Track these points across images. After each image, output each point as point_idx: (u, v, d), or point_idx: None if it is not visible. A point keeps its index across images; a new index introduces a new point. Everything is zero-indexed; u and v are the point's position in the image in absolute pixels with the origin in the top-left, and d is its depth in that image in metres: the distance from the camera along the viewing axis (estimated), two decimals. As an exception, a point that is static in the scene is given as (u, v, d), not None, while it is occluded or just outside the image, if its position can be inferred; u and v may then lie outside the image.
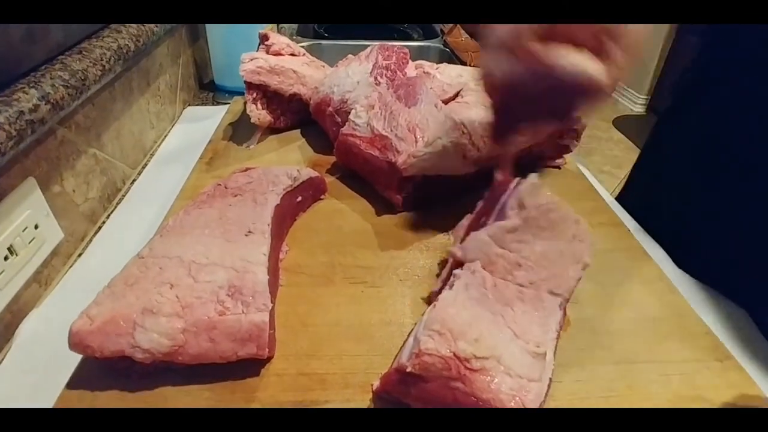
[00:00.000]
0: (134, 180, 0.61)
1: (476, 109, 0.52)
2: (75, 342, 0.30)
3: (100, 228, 0.53)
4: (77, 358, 0.34)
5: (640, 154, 0.63)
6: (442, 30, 1.18)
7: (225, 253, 0.35)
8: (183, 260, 0.34)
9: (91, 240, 0.51)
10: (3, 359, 0.38)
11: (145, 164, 0.65)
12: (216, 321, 0.30)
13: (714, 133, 0.49)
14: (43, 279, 0.45)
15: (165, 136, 0.71)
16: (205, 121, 0.74)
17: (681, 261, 0.49)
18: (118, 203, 0.57)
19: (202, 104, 0.84)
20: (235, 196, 0.41)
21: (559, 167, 0.58)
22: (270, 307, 0.32)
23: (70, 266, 0.47)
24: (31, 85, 0.41)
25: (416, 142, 0.44)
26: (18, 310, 0.41)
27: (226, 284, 0.32)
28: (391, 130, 0.45)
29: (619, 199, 0.60)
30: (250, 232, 0.37)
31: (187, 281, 0.32)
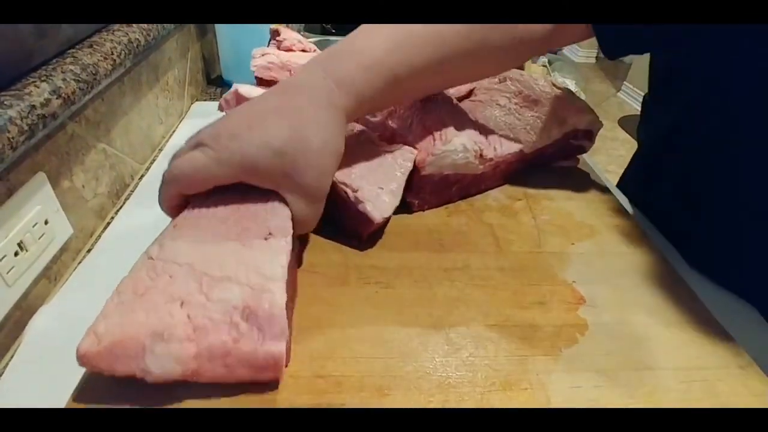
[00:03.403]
0: (142, 175, 0.61)
1: (491, 108, 0.52)
2: (83, 363, 0.28)
3: (108, 224, 0.52)
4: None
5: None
6: (450, 27, 1.17)
7: (240, 262, 0.31)
8: (194, 270, 0.31)
9: (100, 236, 0.50)
10: (13, 355, 0.37)
11: (154, 159, 0.64)
12: (230, 348, 0.28)
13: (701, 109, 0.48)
14: (52, 275, 0.44)
15: (173, 132, 0.71)
16: (212, 117, 0.73)
17: (684, 254, 0.48)
18: (126, 199, 0.56)
19: (210, 99, 0.83)
20: (251, 188, 0.38)
21: (573, 167, 0.57)
22: (287, 335, 0.29)
23: (79, 262, 0.47)
24: (42, 79, 0.40)
25: (433, 140, 0.43)
26: (28, 306, 0.41)
27: (241, 304, 0.29)
28: (408, 129, 0.44)
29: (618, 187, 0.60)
30: (270, 234, 0.33)
31: (198, 299, 0.30)
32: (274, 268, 0.31)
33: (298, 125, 0.33)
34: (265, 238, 0.33)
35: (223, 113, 0.46)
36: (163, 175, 0.33)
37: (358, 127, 0.45)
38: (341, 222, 0.42)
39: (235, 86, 0.49)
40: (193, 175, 0.32)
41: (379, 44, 0.37)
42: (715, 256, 0.46)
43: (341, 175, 0.40)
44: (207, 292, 0.30)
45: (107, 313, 0.29)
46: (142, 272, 0.31)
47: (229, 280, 0.30)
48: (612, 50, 0.43)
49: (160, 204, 0.35)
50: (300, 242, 0.42)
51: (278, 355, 0.29)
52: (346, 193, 0.40)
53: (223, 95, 0.50)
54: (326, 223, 0.42)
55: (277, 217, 0.35)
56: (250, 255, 0.32)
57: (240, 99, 0.47)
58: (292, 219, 0.35)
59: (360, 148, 0.43)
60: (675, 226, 0.51)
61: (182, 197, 0.34)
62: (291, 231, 0.34)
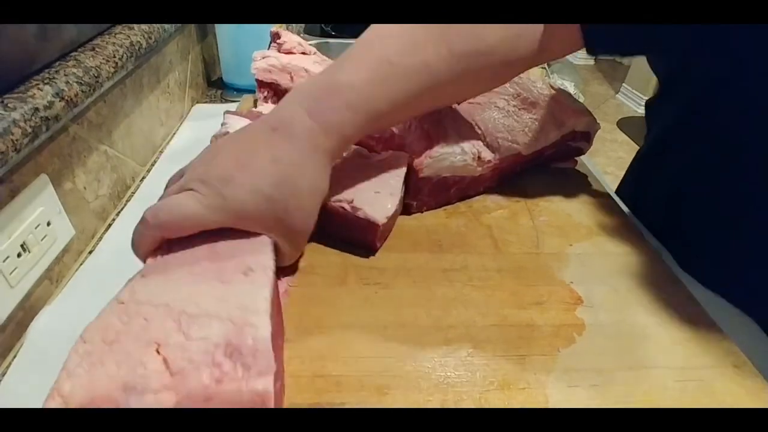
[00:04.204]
0: (144, 177, 0.61)
1: (489, 111, 0.52)
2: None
3: (110, 225, 0.53)
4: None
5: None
6: (449, 29, 1.17)
7: (220, 298, 0.29)
8: (171, 309, 0.28)
9: (101, 237, 0.51)
10: (15, 356, 0.38)
11: (155, 161, 0.65)
12: (212, 392, 0.25)
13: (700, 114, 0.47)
14: (54, 276, 0.45)
15: (174, 134, 0.71)
16: (213, 119, 0.74)
17: (678, 258, 0.48)
18: (127, 201, 0.56)
19: (210, 102, 0.84)
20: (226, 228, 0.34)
21: (571, 169, 0.57)
22: (274, 368, 0.26)
23: (81, 263, 0.47)
24: (45, 81, 0.40)
25: (432, 143, 0.44)
26: (30, 307, 0.41)
27: (223, 341, 0.27)
28: (406, 131, 0.44)
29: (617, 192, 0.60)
30: (250, 270, 0.31)
31: (177, 338, 0.27)
32: (256, 301, 0.29)
33: (287, 171, 0.33)
34: (245, 274, 0.31)
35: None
36: (145, 219, 0.32)
37: None
38: (350, 240, 0.43)
39: (225, 126, 0.47)
40: (182, 222, 0.32)
41: (362, 78, 0.36)
42: (709, 262, 0.46)
43: (335, 194, 0.41)
44: (186, 330, 0.27)
45: (71, 368, 0.26)
46: (112, 317, 0.28)
47: (209, 316, 0.28)
48: (595, 48, 0.41)
49: (134, 247, 0.33)
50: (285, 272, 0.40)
51: (265, 393, 0.26)
52: (342, 208, 0.40)
53: (214, 134, 0.47)
54: (330, 237, 0.43)
55: (257, 253, 0.33)
56: (230, 290, 0.30)
57: None
58: (276, 254, 0.34)
59: (349, 164, 0.44)
60: (669, 230, 0.51)
61: (160, 241, 0.33)
62: (273, 266, 0.32)
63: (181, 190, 0.32)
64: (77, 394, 0.25)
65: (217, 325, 0.27)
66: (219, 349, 0.26)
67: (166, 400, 0.25)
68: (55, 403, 0.25)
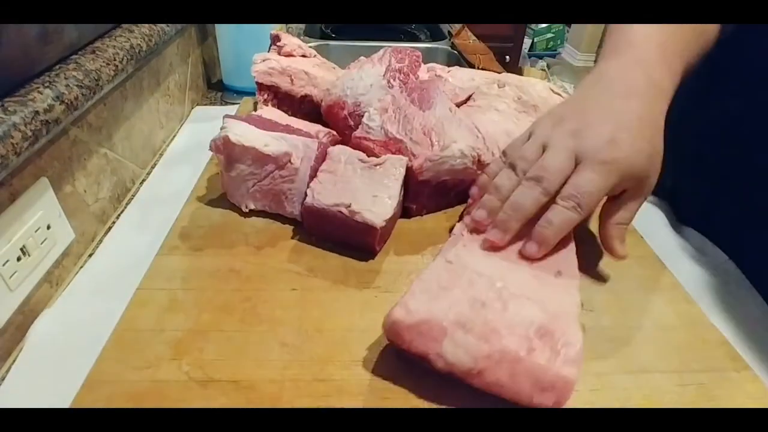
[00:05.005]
0: (143, 180, 0.61)
1: (489, 114, 0.52)
2: (393, 330, 0.31)
3: (110, 228, 0.52)
4: (90, 358, 0.34)
5: None
6: (449, 32, 1.17)
7: (536, 289, 0.33)
8: (493, 283, 0.33)
9: (101, 240, 0.51)
10: (16, 359, 0.38)
11: (154, 164, 0.65)
12: (522, 357, 0.29)
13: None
14: (54, 279, 0.45)
15: (174, 136, 0.71)
16: (213, 122, 0.74)
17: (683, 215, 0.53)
18: (127, 203, 0.56)
19: (210, 104, 0.84)
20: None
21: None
22: (581, 365, 0.29)
23: (81, 266, 0.47)
24: (45, 85, 0.40)
25: (431, 146, 0.44)
26: (30, 310, 0.41)
27: (537, 322, 0.31)
28: (406, 134, 0.44)
29: None
30: (559, 273, 0.36)
31: (496, 306, 0.32)
32: (569, 303, 0.33)
33: (651, 128, 0.38)
34: (555, 276, 0.35)
35: (216, 155, 0.45)
36: (574, 207, 0.36)
37: (343, 151, 0.45)
38: (350, 244, 0.43)
39: (225, 131, 0.44)
40: (598, 197, 0.37)
41: (672, 33, 0.41)
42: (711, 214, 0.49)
43: (333, 199, 0.41)
44: (504, 303, 0.32)
45: (415, 292, 0.32)
46: (442, 271, 0.34)
47: (528, 299, 0.32)
48: None
49: (551, 237, 0.37)
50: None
51: (569, 380, 0.29)
52: (340, 212, 0.40)
53: (214, 138, 0.45)
54: (329, 240, 0.43)
55: (565, 260, 0.37)
56: (544, 286, 0.34)
57: (229, 145, 0.44)
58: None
59: (348, 168, 0.44)
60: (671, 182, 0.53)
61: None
62: (578, 275, 0.37)
63: (571, 161, 0.37)
64: (419, 311, 0.31)
65: (533, 308, 0.32)
66: (532, 327, 0.30)
67: (482, 347, 0.29)
68: (402, 311, 0.31)
